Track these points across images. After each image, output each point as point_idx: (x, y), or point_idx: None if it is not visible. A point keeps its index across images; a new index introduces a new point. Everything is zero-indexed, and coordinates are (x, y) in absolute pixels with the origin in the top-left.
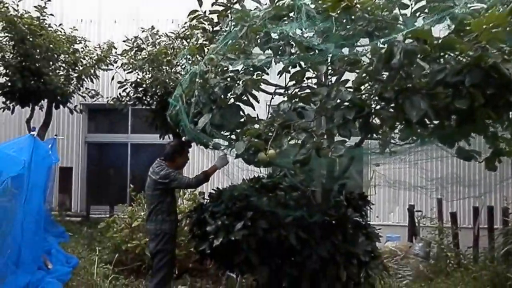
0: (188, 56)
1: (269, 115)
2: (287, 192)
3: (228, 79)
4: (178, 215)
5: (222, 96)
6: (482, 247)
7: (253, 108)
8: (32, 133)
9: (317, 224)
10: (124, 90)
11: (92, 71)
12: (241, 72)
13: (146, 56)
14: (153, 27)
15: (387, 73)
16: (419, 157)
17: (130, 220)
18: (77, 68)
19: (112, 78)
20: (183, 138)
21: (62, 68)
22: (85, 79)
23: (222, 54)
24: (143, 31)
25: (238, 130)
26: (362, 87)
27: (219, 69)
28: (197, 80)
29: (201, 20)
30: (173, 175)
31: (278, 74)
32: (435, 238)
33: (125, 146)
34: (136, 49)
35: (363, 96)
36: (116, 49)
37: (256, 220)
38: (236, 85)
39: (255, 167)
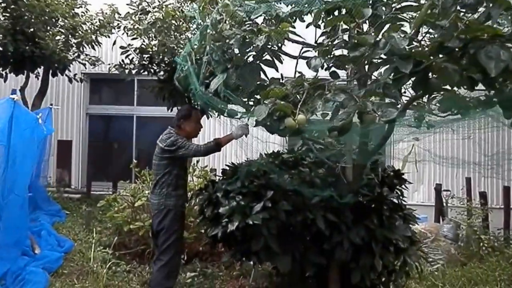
0: (197, 9)
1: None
2: (312, 169)
3: (247, 30)
4: (188, 191)
5: (239, 52)
6: None
7: (276, 69)
8: (11, 96)
9: (349, 206)
10: (127, 57)
11: (93, 37)
12: (261, 23)
13: (152, 20)
14: None
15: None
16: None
17: (133, 198)
18: (77, 34)
19: (114, 43)
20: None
21: (60, 33)
22: (86, 46)
23: (239, 3)
24: None
25: (258, 95)
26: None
27: (236, 20)
28: (208, 32)
29: None
30: (180, 141)
31: (307, 27)
32: (465, 219)
33: (130, 118)
34: (141, 12)
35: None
36: (120, 14)
37: (277, 201)
38: (256, 38)
39: (280, 135)
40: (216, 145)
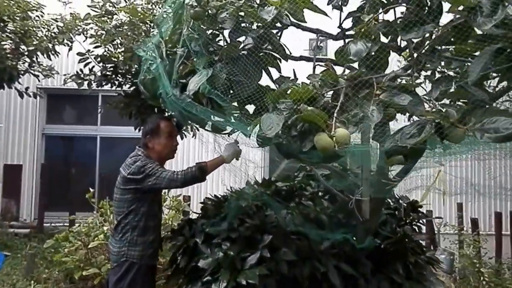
0: None
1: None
2: (317, 202)
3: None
4: (161, 236)
5: (233, 36)
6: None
7: (284, 59)
8: None
9: (366, 252)
10: (86, 65)
11: (50, 45)
12: None
13: (117, 24)
14: None
15: None
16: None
17: (87, 238)
18: (29, 40)
19: (70, 49)
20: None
21: (7, 39)
22: (40, 55)
23: None
24: None
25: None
26: None
27: None
28: (186, 9)
29: None
30: (149, 167)
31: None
32: (459, 249)
33: (93, 140)
34: (104, 13)
35: None
36: (82, 20)
37: (276, 248)
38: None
39: (300, 161)
40: (200, 172)
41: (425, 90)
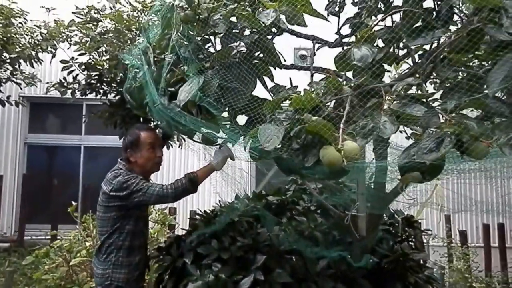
0: None
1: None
2: (310, 217)
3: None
4: (148, 255)
5: (225, 41)
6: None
7: (279, 66)
8: None
9: (363, 272)
10: (70, 73)
11: (33, 53)
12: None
13: (103, 31)
14: None
15: None
16: None
17: (69, 255)
18: (11, 47)
19: (53, 56)
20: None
21: None
22: (23, 62)
23: None
24: None
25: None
26: None
27: None
28: (175, 11)
29: None
30: (133, 182)
31: (328, 6)
32: (448, 263)
33: (77, 149)
34: (89, 20)
35: None
36: (66, 27)
37: (271, 268)
38: (260, 13)
39: (300, 177)
40: (191, 183)
41: (438, 100)
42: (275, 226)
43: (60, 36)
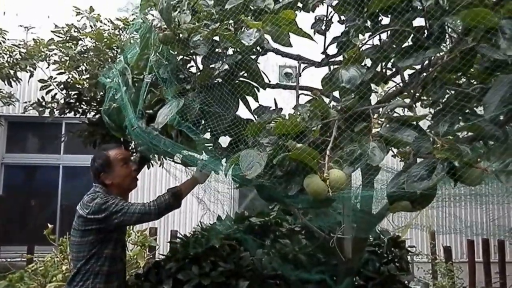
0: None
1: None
2: (294, 239)
3: (221, 23)
4: (126, 281)
5: (206, 62)
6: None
7: (263, 87)
8: None
9: None
10: (48, 93)
11: (11, 72)
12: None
13: (82, 49)
14: (92, 9)
15: None
16: None
17: (44, 280)
18: None
19: (31, 75)
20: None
21: None
22: (1, 81)
23: None
24: (78, 13)
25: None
26: None
27: (200, 14)
28: (154, 32)
29: None
30: (113, 203)
31: (315, 25)
32: (433, 279)
33: (56, 169)
34: (69, 39)
35: None
36: (45, 46)
37: None
38: (241, 33)
39: (283, 205)
40: (174, 199)
41: (428, 120)
42: (258, 249)
43: (39, 55)
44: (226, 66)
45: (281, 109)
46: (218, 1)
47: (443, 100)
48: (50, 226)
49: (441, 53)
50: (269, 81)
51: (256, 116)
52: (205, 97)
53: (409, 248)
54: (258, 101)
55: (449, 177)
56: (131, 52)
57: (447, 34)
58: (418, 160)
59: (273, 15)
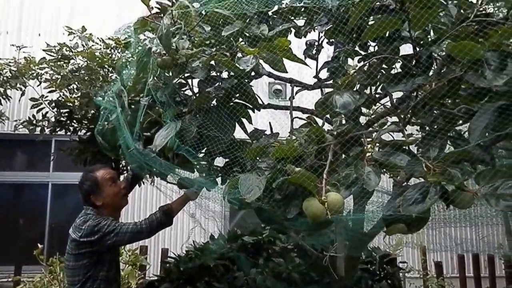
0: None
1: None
2: (287, 258)
3: (218, 49)
4: None
5: (203, 86)
6: None
7: (257, 109)
8: None
9: None
10: (39, 111)
11: (1, 90)
12: (240, 42)
13: (74, 68)
14: (84, 28)
15: None
16: None
17: None
18: None
19: (22, 94)
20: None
21: None
22: None
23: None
24: (70, 33)
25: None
26: None
27: (197, 39)
28: (152, 54)
29: None
30: (105, 224)
31: (307, 50)
32: None
33: (45, 187)
34: (61, 58)
35: None
36: (37, 65)
37: None
38: (239, 59)
39: (278, 229)
40: (166, 217)
41: (421, 147)
42: (252, 269)
43: (30, 73)
44: (222, 90)
45: (278, 134)
46: (214, 27)
47: (432, 123)
48: (40, 246)
49: (429, 81)
50: (262, 101)
51: (252, 139)
52: (202, 120)
53: (400, 264)
54: (251, 123)
55: (442, 200)
56: (127, 72)
57: (434, 62)
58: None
59: (269, 43)
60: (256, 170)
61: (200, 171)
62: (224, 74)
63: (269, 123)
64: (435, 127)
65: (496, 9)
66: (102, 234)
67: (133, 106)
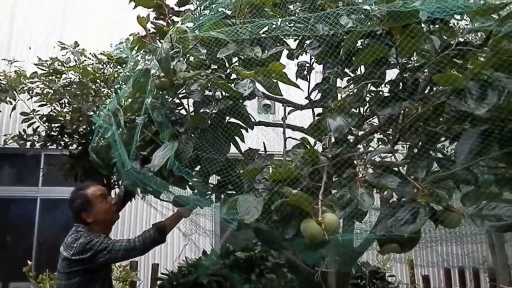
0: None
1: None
2: (279, 274)
3: (215, 72)
4: None
5: (199, 107)
6: None
7: (251, 128)
8: None
9: None
10: (30, 126)
11: None
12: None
13: (66, 82)
14: (76, 44)
15: None
16: None
17: None
18: None
19: (13, 108)
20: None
21: None
22: None
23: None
24: (63, 48)
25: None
26: None
27: (193, 60)
28: (152, 74)
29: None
30: (97, 241)
31: (298, 72)
32: None
33: (33, 202)
34: (52, 72)
35: None
36: (27, 78)
37: None
38: (238, 83)
39: (274, 248)
40: (159, 234)
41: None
42: (244, 285)
43: (21, 87)
44: (218, 110)
45: (273, 155)
46: (210, 49)
47: (417, 144)
48: (29, 263)
49: (415, 105)
50: (254, 119)
51: (246, 159)
52: (198, 140)
53: (389, 278)
54: (244, 141)
55: (431, 220)
56: (122, 91)
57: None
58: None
59: (264, 68)
60: (254, 191)
61: (195, 189)
62: (219, 92)
63: (263, 143)
64: (422, 148)
65: (475, 37)
66: (95, 251)
67: (128, 125)
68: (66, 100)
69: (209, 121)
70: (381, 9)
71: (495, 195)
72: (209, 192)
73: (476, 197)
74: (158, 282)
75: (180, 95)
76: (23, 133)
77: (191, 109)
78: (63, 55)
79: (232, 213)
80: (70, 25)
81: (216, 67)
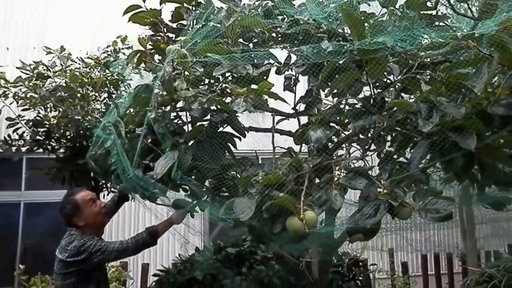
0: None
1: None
2: (269, 266)
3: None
4: None
5: (198, 120)
6: None
7: (243, 136)
8: None
9: None
10: (15, 131)
11: None
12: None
13: (52, 87)
14: (63, 48)
15: None
16: None
17: None
18: None
19: None
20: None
21: None
22: None
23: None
24: (49, 52)
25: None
26: None
27: (191, 78)
28: (154, 91)
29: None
30: (91, 244)
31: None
32: None
33: (16, 206)
34: (36, 77)
35: None
36: (7, 81)
37: None
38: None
39: (263, 242)
40: (151, 237)
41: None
42: (236, 276)
43: (2, 91)
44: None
45: (264, 164)
46: (206, 68)
47: (384, 151)
48: (21, 267)
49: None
50: (244, 127)
51: (240, 168)
52: (196, 149)
53: (371, 266)
54: (236, 148)
55: (389, 214)
56: (123, 104)
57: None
58: None
59: (255, 90)
60: (248, 194)
61: (193, 194)
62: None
63: (255, 151)
64: (387, 154)
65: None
66: (89, 253)
67: (128, 135)
68: (52, 104)
69: (205, 132)
70: (354, 46)
71: (437, 193)
72: (205, 195)
73: (423, 195)
74: (155, 278)
75: (178, 109)
76: (8, 139)
77: (189, 120)
78: (49, 60)
79: (230, 213)
80: (50, 26)
81: (212, 81)
